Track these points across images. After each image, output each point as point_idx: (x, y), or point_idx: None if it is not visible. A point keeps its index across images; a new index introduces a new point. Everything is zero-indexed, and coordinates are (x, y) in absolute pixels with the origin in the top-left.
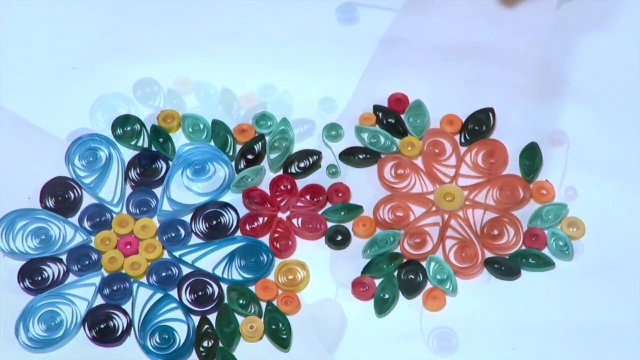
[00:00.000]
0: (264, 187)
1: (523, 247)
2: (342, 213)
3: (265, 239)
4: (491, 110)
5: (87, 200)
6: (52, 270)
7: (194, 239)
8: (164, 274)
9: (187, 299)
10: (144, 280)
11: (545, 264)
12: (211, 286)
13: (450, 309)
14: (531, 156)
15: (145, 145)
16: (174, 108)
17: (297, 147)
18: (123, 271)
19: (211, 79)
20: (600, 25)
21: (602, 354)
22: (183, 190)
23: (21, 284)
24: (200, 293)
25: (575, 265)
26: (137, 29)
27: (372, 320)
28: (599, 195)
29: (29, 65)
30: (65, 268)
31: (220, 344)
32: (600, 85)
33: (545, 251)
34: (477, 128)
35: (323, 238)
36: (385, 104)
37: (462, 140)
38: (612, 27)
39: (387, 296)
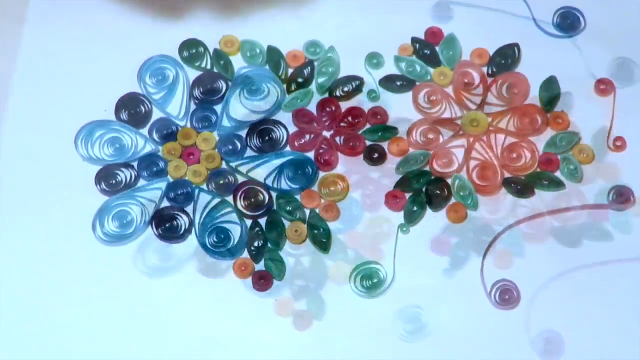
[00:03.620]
0: (312, 108)
1: (538, 170)
2: (380, 134)
3: (311, 155)
4: (517, 45)
5: (156, 114)
6: (124, 175)
7: (249, 152)
8: (222, 182)
9: (241, 205)
10: (204, 186)
11: (557, 184)
12: (262, 194)
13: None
14: (550, 89)
15: (209, 67)
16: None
17: (342, 74)
18: (186, 178)
19: None
20: None
21: None
22: (240, 108)
23: (98, 186)
24: (252, 200)
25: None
26: None
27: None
28: None
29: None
30: (136, 174)
31: (269, 245)
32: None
33: (558, 174)
34: (503, 62)
35: (362, 155)
36: (422, 37)
37: (489, 72)
38: None
39: (415, 208)
